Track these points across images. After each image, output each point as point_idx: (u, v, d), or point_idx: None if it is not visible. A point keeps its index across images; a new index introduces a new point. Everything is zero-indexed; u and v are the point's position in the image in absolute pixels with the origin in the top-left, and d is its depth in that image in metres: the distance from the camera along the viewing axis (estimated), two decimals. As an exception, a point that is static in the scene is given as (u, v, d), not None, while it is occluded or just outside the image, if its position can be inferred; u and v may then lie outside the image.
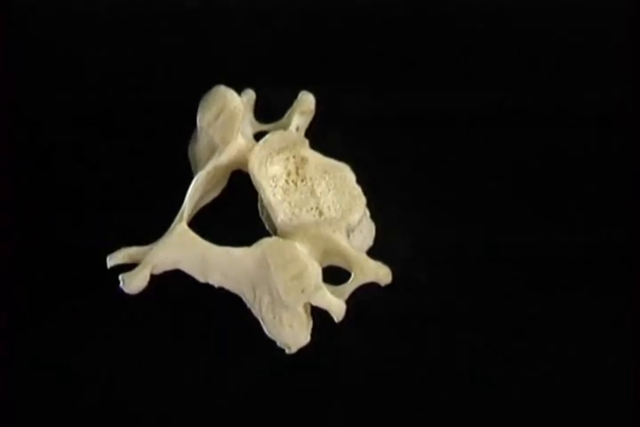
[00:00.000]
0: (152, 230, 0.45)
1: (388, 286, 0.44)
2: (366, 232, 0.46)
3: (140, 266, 0.44)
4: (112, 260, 0.45)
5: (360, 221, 0.45)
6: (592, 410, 0.47)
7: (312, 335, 0.44)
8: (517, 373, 0.48)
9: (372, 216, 0.47)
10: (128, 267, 0.44)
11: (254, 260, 0.43)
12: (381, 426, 0.47)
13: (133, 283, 0.44)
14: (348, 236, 0.45)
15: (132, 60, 0.51)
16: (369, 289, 0.44)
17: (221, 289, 0.44)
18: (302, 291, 0.43)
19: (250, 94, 0.47)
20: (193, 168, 0.47)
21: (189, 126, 0.47)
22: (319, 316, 0.44)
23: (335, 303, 0.43)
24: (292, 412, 0.47)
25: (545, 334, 0.48)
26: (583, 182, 0.49)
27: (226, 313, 0.46)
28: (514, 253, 0.49)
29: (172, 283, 0.45)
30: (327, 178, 0.45)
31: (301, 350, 0.44)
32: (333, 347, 0.47)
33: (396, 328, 0.48)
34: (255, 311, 0.44)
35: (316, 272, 0.43)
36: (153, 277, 0.44)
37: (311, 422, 0.47)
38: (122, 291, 0.44)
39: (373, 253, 0.46)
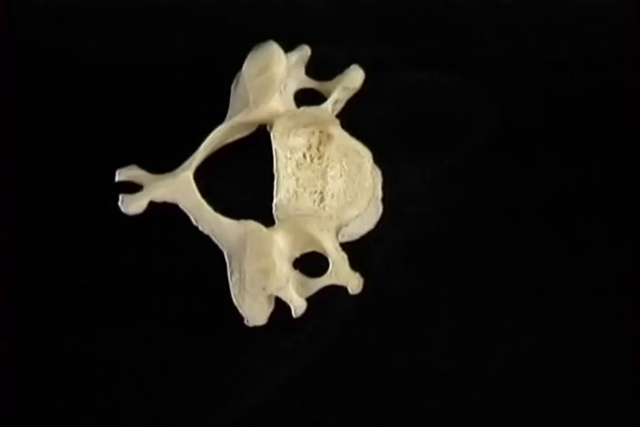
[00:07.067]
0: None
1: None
2: (367, 218, 0.46)
3: (142, 193, 0.45)
4: (120, 175, 0.46)
5: (357, 217, 0.45)
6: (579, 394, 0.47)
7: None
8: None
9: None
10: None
11: (237, 235, 0.44)
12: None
13: (131, 206, 0.45)
14: (340, 230, 0.45)
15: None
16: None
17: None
18: (264, 288, 0.44)
19: (304, 50, 0.46)
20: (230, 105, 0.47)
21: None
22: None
23: (296, 301, 0.44)
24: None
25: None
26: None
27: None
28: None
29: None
30: (344, 162, 0.45)
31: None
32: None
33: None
34: (228, 275, 0.45)
35: (282, 275, 0.43)
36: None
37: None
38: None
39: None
